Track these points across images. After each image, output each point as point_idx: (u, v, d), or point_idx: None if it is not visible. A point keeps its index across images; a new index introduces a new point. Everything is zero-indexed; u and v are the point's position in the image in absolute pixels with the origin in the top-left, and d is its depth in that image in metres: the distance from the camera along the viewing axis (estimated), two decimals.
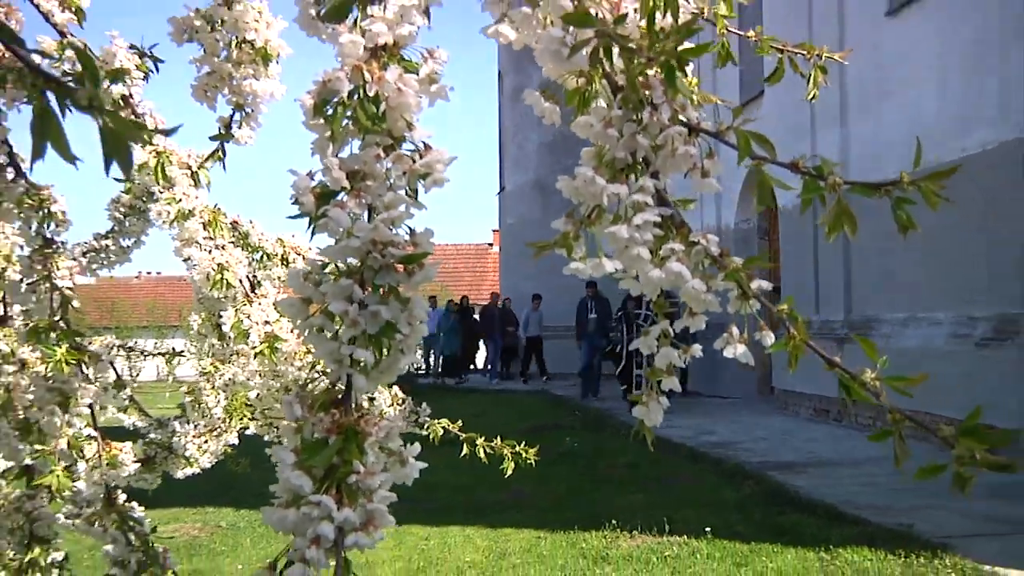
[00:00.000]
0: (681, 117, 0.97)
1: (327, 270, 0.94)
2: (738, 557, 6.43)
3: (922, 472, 0.89)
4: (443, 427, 2.80)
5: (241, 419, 3.04)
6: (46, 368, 1.85)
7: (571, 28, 0.96)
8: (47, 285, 1.84)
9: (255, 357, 2.26)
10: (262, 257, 2.44)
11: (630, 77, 0.95)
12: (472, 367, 27.76)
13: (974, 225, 10.07)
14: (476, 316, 27.89)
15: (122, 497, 2.00)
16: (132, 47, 1.99)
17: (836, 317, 13.21)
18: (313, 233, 0.94)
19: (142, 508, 2.02)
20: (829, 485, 8.51)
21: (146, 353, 3.14)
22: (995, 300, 9.85)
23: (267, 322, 2.24)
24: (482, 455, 2.78)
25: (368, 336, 0.91)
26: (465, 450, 2.80)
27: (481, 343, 27.70)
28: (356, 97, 0.92)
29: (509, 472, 2.74)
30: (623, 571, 6.37)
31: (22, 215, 1.84)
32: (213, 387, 2.87)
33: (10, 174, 1.78)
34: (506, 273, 29.79)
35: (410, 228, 0.94)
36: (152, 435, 3.08)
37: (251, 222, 2.44)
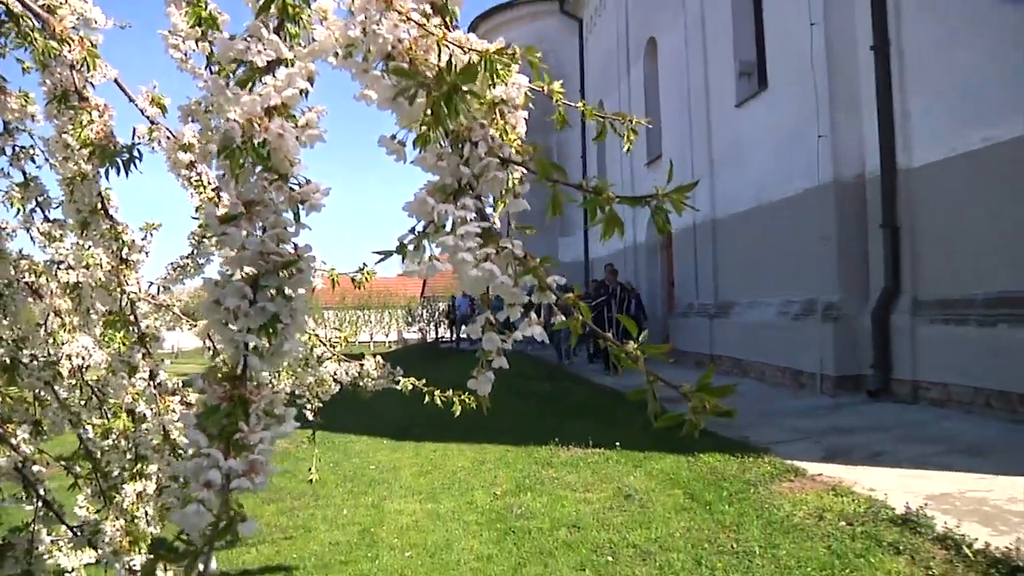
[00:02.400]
0: (499, 153, 0.93)
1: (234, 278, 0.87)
2: (636, 461, 6.53)
3: (663, 420, 0.84)
4: (411, 383, 2.81)
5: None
6: (118, 347, 1.88)
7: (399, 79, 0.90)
8: (120, 291, 1.88)
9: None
10: None
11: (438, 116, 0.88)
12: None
13: (791, 241, 10.20)
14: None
15: (175, 433, 1.95)
16: None
17: (708, 301, 13.31)
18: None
19: None
20: None
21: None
22: (803, 289, 9.99)
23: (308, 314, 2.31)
24: (438, 402, 2.78)
25: (260, 326, 0.85)
26: (427, 398, 2.79)
27: None
28: (249, 143, 0.88)
29: (457, 413, 2.70)
30: (560, 471, 6.48)
31: (104, 243, 1.87)
32: None
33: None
34: None
35: (295, 244, 0.88)
36: None
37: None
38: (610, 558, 4.39)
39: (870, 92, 8.65)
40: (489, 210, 0.99)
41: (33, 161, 2.10)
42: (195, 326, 3.28)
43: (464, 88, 0.88)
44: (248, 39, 0.96)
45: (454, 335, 28.27)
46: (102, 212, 1.95)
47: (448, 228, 0.90)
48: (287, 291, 0.88)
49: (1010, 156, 6.80)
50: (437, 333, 33.45)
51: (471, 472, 6.74)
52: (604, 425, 8.08)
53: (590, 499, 5.59)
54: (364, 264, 2.61)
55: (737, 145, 12.02)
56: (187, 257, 2.39)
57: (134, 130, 1.88)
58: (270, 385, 0.93)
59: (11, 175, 2.09)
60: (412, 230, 0.91)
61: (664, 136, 15.83)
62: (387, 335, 37.33)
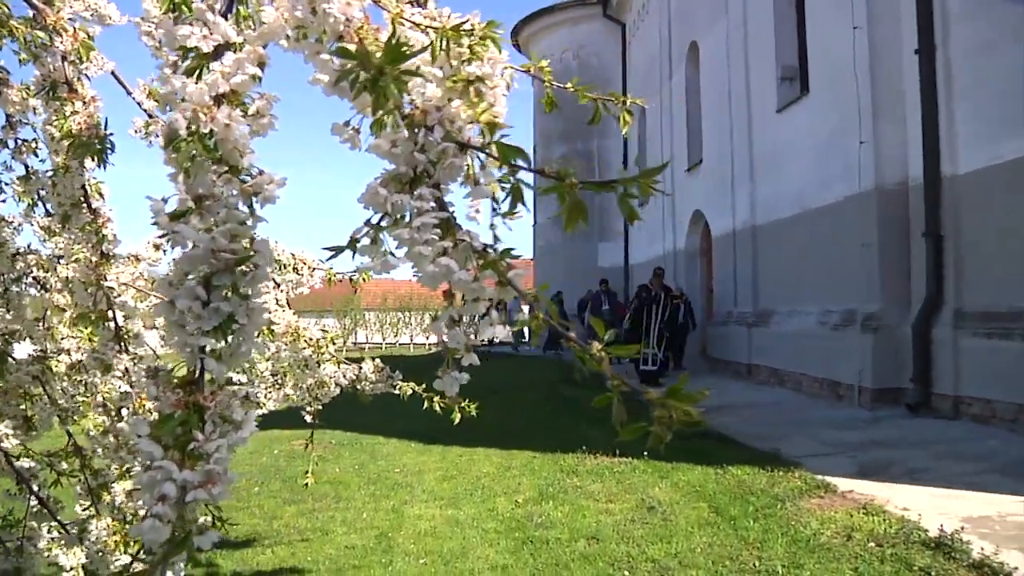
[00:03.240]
0: (457, 137, 0.86)
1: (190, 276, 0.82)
2: (663, 472, 6.37)
3: (627, 431, 0.77)
4: (411, 387, 2.73)
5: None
6: (90, 344, 1.83)
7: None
8: (97, 286, 1.81)
9: (258, 337, 2.25)
10: (279, 266, 2.43)
11: (379, 101, 0.80)
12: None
13: (831, 249, 9.92)
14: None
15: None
16: None
17: (747, 309, 13.01)
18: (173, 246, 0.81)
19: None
20: (732, 422, 8.39)
21: None
22: (843, 299, 9.69)
23: (269, 312, 2.24)
24: (437, 408, 2.70)
25: (214, 327, 0.80)
26: (425, 404, 2.71)
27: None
28: (196, 134, 0.82)
29: (457, 421, 2.64)
30: (584, 480, 6.35)
31: (84, 236, 1.82)
32: (263, 357, 2.85)
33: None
34: (539, 279, 28.13)
35: (252, 238, 0.83)
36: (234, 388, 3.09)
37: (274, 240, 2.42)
38: (627, 573, 4.24)
39: (914, 97, 8.35)
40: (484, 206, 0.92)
41: (36, 155, 2.06)
42: None
43: (395, 69, 0.79)
44: (192, 23, 0.89)
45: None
46: (84, 205, 1.91)
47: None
48: (243, 290, 0.83)
49: None
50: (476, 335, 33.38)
51: (495, 478, 6.63)
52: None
53: (612, 510, 5.44)
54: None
55: (778, 151, 11.74)
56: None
57: (106, 121, 1.81)
58: (228, 388, 0.87)
59: (14, 168, 2.07)
60: (367, 223, 0.85)
61: (705, 142, 15.58)
62: (427, 338, 37.43)
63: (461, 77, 0.94)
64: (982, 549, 4.01)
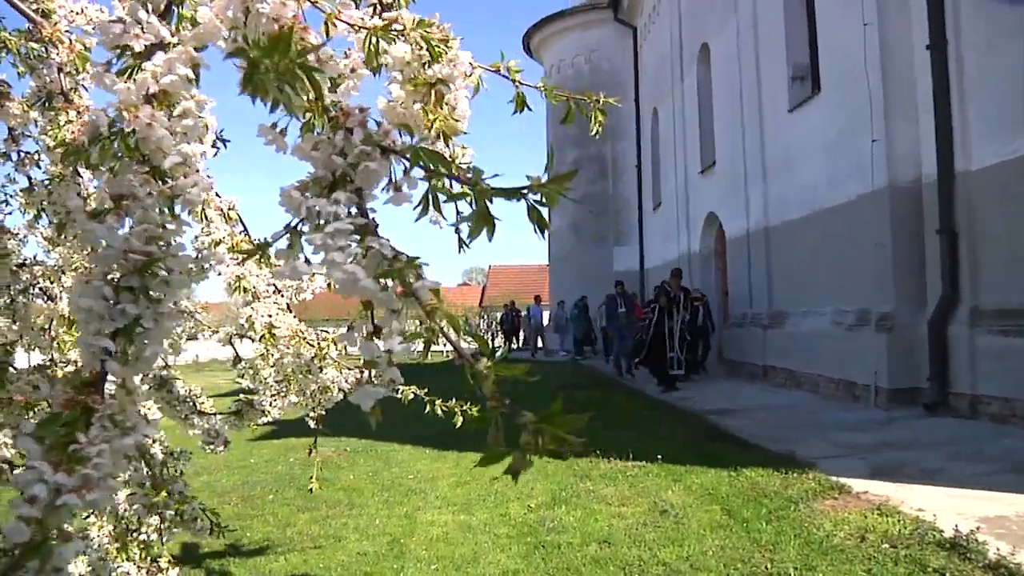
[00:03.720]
0: (380, 141, 0.82)
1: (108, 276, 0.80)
2: (676, 475, 6.32)
3: (484, 458, 0.74)
4: (413, 391, 2.73)
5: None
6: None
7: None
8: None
9: (260, 341, 2.24)
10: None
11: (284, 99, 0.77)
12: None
13: (845, 249, 9.84)
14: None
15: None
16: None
17: (762, 311, 12.92)
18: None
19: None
20: (747, 425, 8.35)
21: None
22: (857, 298, 9.60)
23: (269, 315, 2.23)
24: (439, 412, 2.70)
25: (120, 329, 0.78)
26: (428, 408, 2.71)
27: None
28: (119, 133, 0.81)
29: (459, 425, 2.63)
30: (598, 484, 6.31)
31: (79, 245, 1.81)
32: (267, 363, 2.85)
33: None
34: (554, 285, 27.23)
35: (169, 242, 0.82)
36: (241, 396, 3.09)
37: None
38: None
39: (926, 93, 8.27)
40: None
41: (38, 167, 2.08)
42: (216, 332, 3.24)
43: (284, 62, 0.75)
44: (124, 21, 0.88)
45: (507, 344, 27.99)
46: (82, 213, 1.92)
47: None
48: (153, 294, 0.81)
49: None
50: (493, 343, 33.48)
51: (509, 483, 6.60)
52: (647, 437, 7.88)
53: (624, 514, 5.41)
54: None
55: (790, 151, 11.67)
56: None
57: (95, 125, 1.82)
58: (129, 391, 0.85)
59: (17, 180, 2.09)
60: (286, 227, 0.82)
61: (717, 143, 15.51)
62: (444, 345, 37.49)
63: (421, 80, 0.93)
64: (998, 549, 3.94)
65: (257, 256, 2.40)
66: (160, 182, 0.88)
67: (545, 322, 26.94)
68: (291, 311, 2.66)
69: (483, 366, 0.74)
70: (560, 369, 17.68)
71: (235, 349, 2.84)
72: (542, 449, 0.68)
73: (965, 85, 7.79)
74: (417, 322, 0.85)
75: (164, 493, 1.87)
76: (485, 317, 35.66)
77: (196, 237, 2.16)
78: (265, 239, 0.83)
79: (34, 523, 0.67)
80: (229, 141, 2.35)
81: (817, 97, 10.87)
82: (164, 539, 2.01)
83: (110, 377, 0.83)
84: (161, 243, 0.82)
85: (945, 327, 8.00)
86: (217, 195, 2.29)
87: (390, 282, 0.77)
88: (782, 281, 12.20)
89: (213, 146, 1.79)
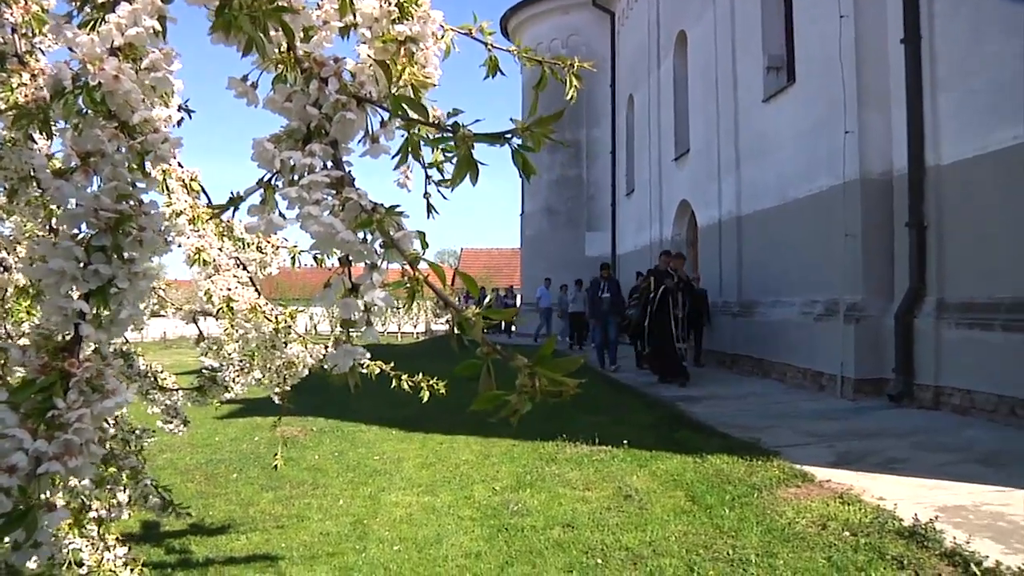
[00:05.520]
0: (356, 92, 0.80)
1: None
2: (641, 461, 6.34)
3: (481, 400, 0.76)
4: (379, 367, 2.69)
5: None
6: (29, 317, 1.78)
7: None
8: (42, 259, 1.76)
9: (217, 315, 2.19)
10: (243, 244, 2.37)
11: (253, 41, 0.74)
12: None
13: (815, 239, 9.92)
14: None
15: None
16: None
17: (732, 299, 13.02)
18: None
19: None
20: (715, 413, 8.40)
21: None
22: (826, 289, 9.69)
23: (228, 290, 2.18)
24: (406, 387, 2.67)
25: (93, 290, 0.76)
26: (394, 383, 2.67)
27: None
28: (83, 87, 0.77)
29: (425, 399, 2.59)
30: (563, 468, 6.32)
31: (31, 211, 1.77)
32: (231, 339, 2.80)
33: None
34: (526, 268, 26.38)
35: (140, 200, 0.79)
36: (204, 371, 3.03)
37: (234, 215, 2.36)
38: (600, 560, 4.22)
39: (899, 87, 8.33)
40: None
41: None
42: (180, 310, 3.16)
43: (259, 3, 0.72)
44: None
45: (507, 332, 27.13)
46: (33, 180, 1.86)
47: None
48: (126, 253, 0.79)
49: None
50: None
51: (474, 466, 6.60)
52: (614, 423, 7.90)
53: (588, 498, 5.41)
54: None
55: (763, 140, 11.72)
56: None
57: (58, 79, 1.76)
58: (103, 356, 0.81)
59: None
60: (259, 181, 0.80)
61: (692, 131, 15.54)
62: (415, 326, 37.34)
63: (390, 37, 0.89)
64: (955, 538, 4.00)
65: (221, 223, 2.34)
66: (129, 138, 0.83)
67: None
68: (256, 287, 2.60)
69: (471, 313, 0.74)
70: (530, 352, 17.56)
71: (199, 327, 2.78)
72: (539, 391, 0.68)
73: (938, 80, 7.85)
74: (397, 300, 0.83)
75: (113, 468, 1.81)
76: (459, 298, 35.47)
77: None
78: (237, 193, 0.80)
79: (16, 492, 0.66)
80: (194, 112, 2.30)
81: (792, 88, 10.92)
82: (112, 516, 1.95)
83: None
84: (132, 201, 0.79)
85: (911, 319, 8.10)
86: (180, 165, 2.23)
87: (369, 234, 0.75)
88: (752, 270, 12.28)
89: (180, 111, 1.73)
